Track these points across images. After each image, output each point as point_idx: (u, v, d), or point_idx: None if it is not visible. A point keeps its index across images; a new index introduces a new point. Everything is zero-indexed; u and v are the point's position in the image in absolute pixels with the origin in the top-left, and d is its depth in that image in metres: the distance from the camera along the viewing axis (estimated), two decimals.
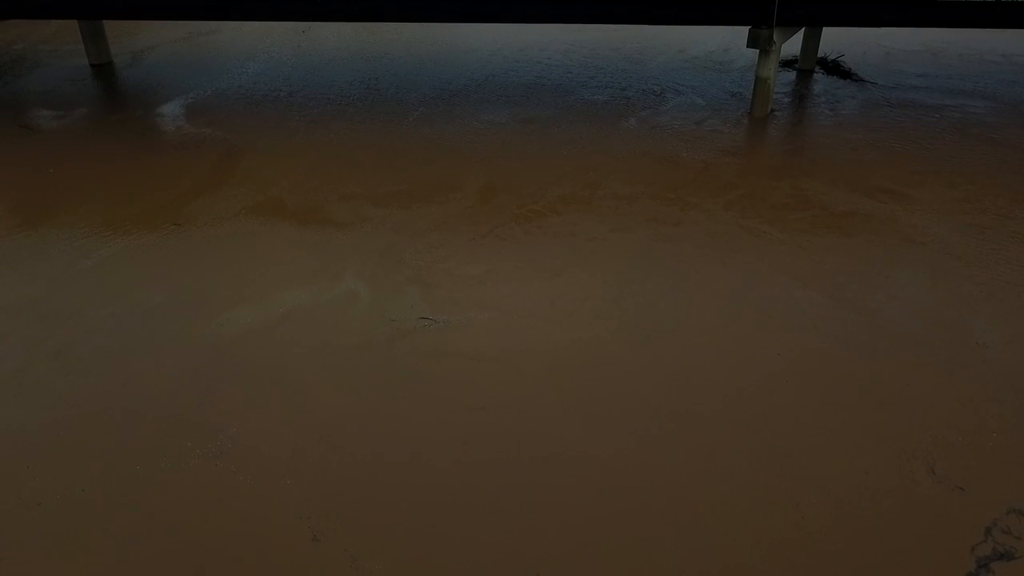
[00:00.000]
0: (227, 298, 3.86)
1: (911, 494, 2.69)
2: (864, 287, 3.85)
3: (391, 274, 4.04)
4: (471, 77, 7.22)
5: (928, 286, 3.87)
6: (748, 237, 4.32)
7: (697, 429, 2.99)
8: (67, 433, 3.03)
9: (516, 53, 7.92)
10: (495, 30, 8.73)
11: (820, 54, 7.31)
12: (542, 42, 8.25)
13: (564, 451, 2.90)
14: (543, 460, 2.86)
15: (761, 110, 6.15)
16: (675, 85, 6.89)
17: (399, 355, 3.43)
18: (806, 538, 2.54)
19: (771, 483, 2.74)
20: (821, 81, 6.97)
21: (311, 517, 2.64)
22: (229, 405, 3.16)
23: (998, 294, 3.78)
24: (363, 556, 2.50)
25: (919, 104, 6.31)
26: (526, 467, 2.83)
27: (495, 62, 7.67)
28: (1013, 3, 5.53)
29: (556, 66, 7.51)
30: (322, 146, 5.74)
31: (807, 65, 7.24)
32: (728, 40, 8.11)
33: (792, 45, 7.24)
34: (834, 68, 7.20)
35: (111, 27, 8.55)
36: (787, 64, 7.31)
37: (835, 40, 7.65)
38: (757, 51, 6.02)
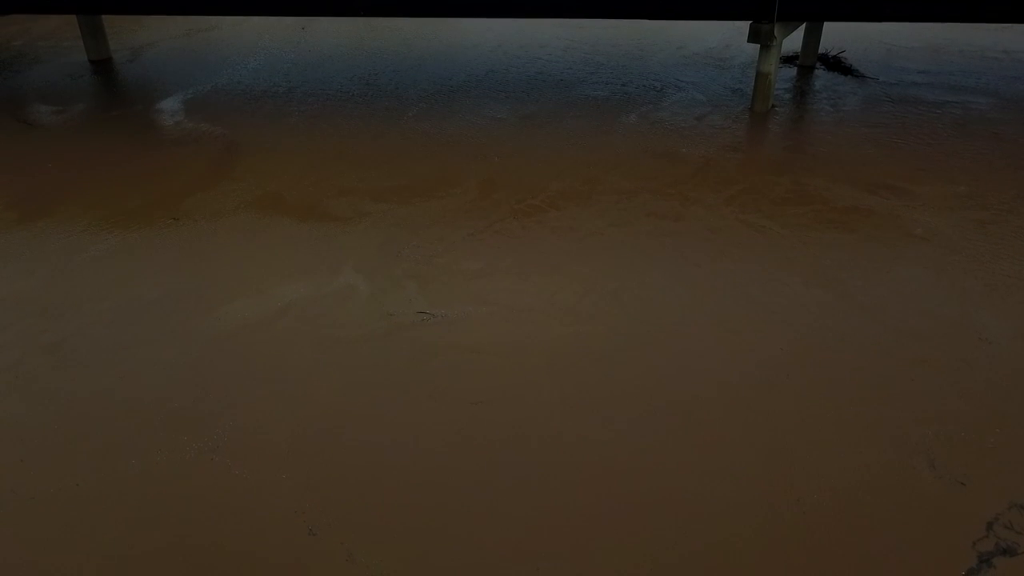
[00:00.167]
0: (224, 292, 3.84)
1: (912, 489, 2.67)
2: (866, 282, 3.83)
3: (389, 268, 4.01)
4: (471, 73, 7.20)
5: (930, 282, 3.84)
6: (749, 232, 4.30)
7: (698, 423, 2.97)
8: (62, 427, 3.01)
9: (516, 50, 7.90)
10: (495, 27, 8.70)
11: (821, 50, 7.28)
12: (542, 39, 8.23)
13: (563, 445, 2.88)
14: (542, 454, 2.84)
15: (762, 106, 6.12)
16: (675, 81, 6.86)
17: (396, 349, 3.40)
18: (807, 532, 2.51)
19: (772, 477, 2.72)
20: (822, 77, 6.94)
21: (307, 511, 2.62)
22: (225, 399, 3.14)
23: (1001, 290, 3.75)
24: (360, 550, 2.48)
25: (920, 100, 6.28)
26: (525, 461, 2.81)
27: (495, 58, 7.64)
28: None
29: (556, 62, 7.48)
30: (321, 141, 5.72)
31: (808, 61, 7.21)
32: (729, 36, 8.08)
33: (793, 41, 7.21)
34: (835, 64, 7.17)
35: (110, 23, 8.53)
36: (788, 60, 7.28)
37: (836, 36, 7.62)
38: (758, 47, 5.99)
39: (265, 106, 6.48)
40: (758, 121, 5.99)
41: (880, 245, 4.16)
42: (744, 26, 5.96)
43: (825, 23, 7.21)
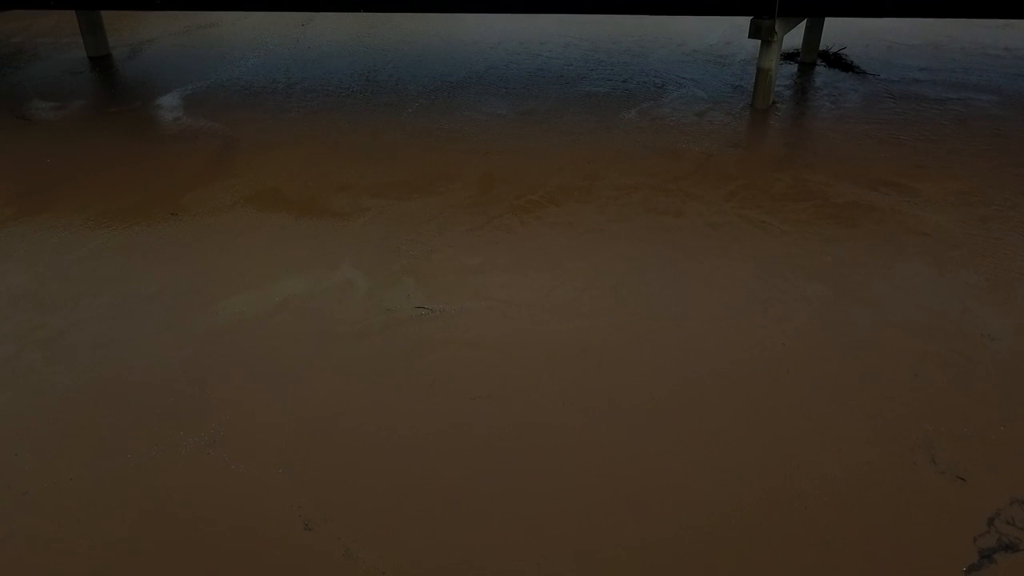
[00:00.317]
0: (222, 287, 3.83)
1: (913, 484, 2.65)
2: (867, 278, 3.81)
3: (388, 264, 4.00)
4: (471, 69, 7.18)
5: (932, 277, 3.82)
6: (750, 228, 4.28)
7: (698, 417, 2.95)
8: (57, 421, 2.99)
9: (516, 46, 7.88)
10: (495, 24, 8.68)
11: (822, 47, 7.26)
12: (542, 36, 8.21)
13: (562, 440, 2.86)
14: (541, 450, 2.82)
15: (763, 102, 6.10)
16: (676, 78, 6.84)
17: (394, 344, 3.39)
18: (807, 528, 2.49)
19: (773, 471, 2.70)
20: (823, 74, 6.91)
21: (304, 506, 2.60)
22: (222, 394, 3.12)
23: (1003, 286, 3.73)
24: (357, 546, 2.46)
25: (922, 97, 6.26)
26: (523, 456, 2.79)
27: (495, 55, 7.62)
28: None
29: (556, 59, 7.46)
30: (320, 137, 5.70)
31: (809, 58, 7.19)
32: (729, 33, 8.06)
33: (794, 38, 7.19)
34: (836, 61, 7.15)
35: (110, 20, 8.52)
36: (789, 57, 7.26)
37: (837, 33, 7.60)
38: (759, 43, 5.97)
39: (265, 102, 6.46)
40: (759, 117, 5.97)
41: (881, 241, 4.14)
42: (745, 23, 5.93)
43: (826, 19, 7.19)
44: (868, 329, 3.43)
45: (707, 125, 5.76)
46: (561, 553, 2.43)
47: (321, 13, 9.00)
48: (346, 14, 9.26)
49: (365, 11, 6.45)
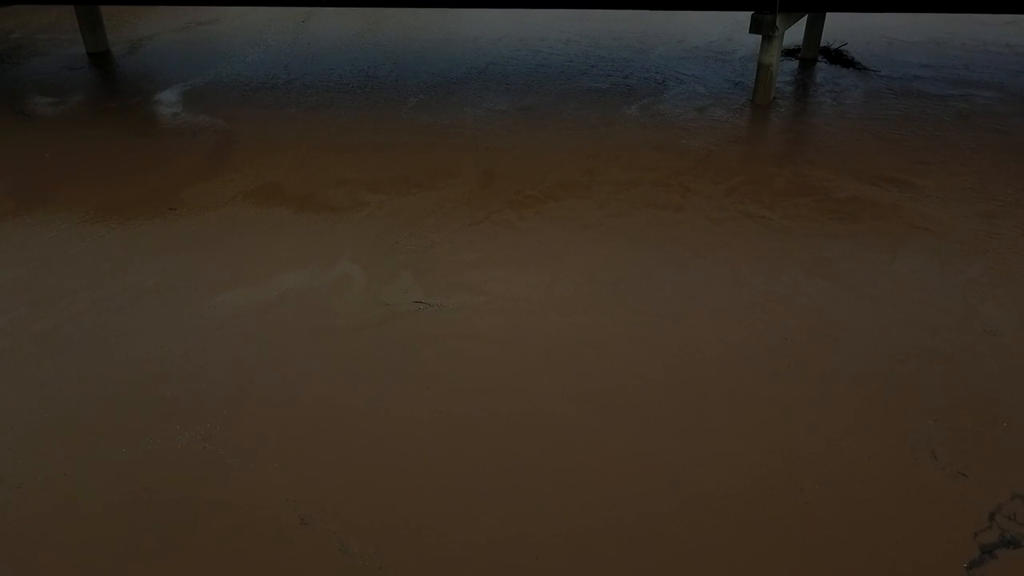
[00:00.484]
0: (220, 281, 3.81)
1: (914, 479, 2.62)
2: (869, 273, 3.78)
3: (386, 258, 3.98)
4: (471, 65, 7.16)
5: (934, 273, 3.80)
6: (750, 223, 4.25)
7: (699, 412, 2.92)
8: (52, 415, 2.97)
9: (517, 42, 7.86)
10: (495, 20, 8.66)
11: (823, 43, 7.23)
12: (543, 32, 8.18)
13: (561, 434, 2.83)
14: (539, 443, 2.80)
15: (763, 98, 6.08)
16: (677, 74, 6.81)
17: (392, 338, 3.36)
18: (809, 522, 2.47)
19: (774, 466, 2.68)
20: (824, 70, 6.89)
21: (299, 501, 2.58)
22: (218, 388, 3.10)
23: (1005, 282, 3.71)
24: (351, 540, 2.44)
25: (923, 93, 6.24)
26: (521, 449, 2.77)
27: (495, 51, 7.60)
28: None
29: (557, 55, 7.44)
30: (320, 132, 5.68)
31: (810, 54, 7.17)
32: (730, 30, 8.03)
33: (795, 34, 7.16)
34: (837, 57, 7.12)
35: (109, 16, 8.50)
36: (790, 53, 7.23)
37: (838, 29, 7.58)
38: (759, 40, 5.94)
39: (264, 98, 6.44)
40: (759, 113, 5.94)
41: (883, 236, 4.12)
42: (745, 20, 5.91)
43: (827, 15, 7.16)
44: (869, 324, 3.41)
45: (708, 121, 5.74)
46: (560, 546, 2.41)
47: (321, 8, 8.99)
48: (346, 10, 9.24)
49: (366, 6, 6.43)
